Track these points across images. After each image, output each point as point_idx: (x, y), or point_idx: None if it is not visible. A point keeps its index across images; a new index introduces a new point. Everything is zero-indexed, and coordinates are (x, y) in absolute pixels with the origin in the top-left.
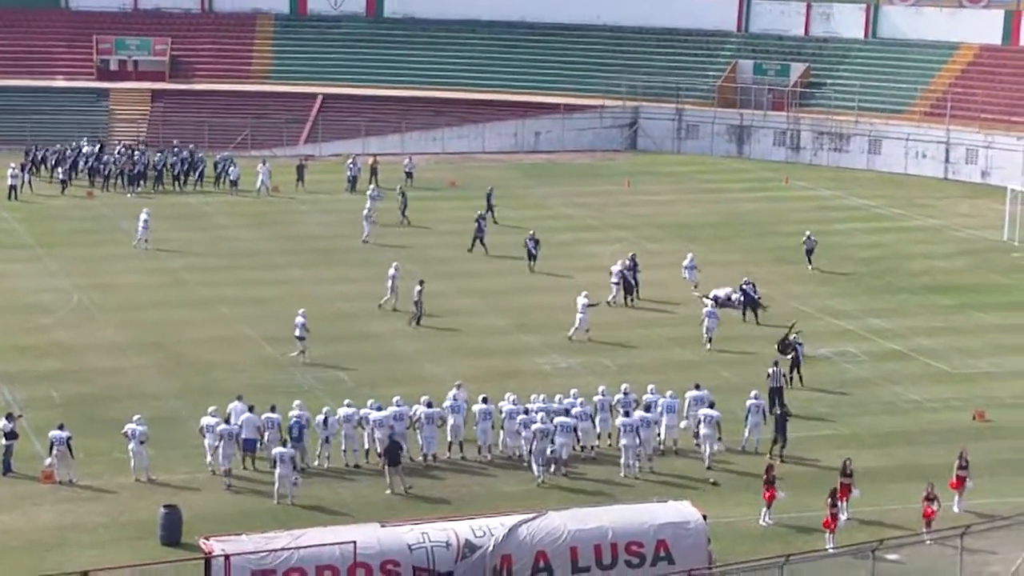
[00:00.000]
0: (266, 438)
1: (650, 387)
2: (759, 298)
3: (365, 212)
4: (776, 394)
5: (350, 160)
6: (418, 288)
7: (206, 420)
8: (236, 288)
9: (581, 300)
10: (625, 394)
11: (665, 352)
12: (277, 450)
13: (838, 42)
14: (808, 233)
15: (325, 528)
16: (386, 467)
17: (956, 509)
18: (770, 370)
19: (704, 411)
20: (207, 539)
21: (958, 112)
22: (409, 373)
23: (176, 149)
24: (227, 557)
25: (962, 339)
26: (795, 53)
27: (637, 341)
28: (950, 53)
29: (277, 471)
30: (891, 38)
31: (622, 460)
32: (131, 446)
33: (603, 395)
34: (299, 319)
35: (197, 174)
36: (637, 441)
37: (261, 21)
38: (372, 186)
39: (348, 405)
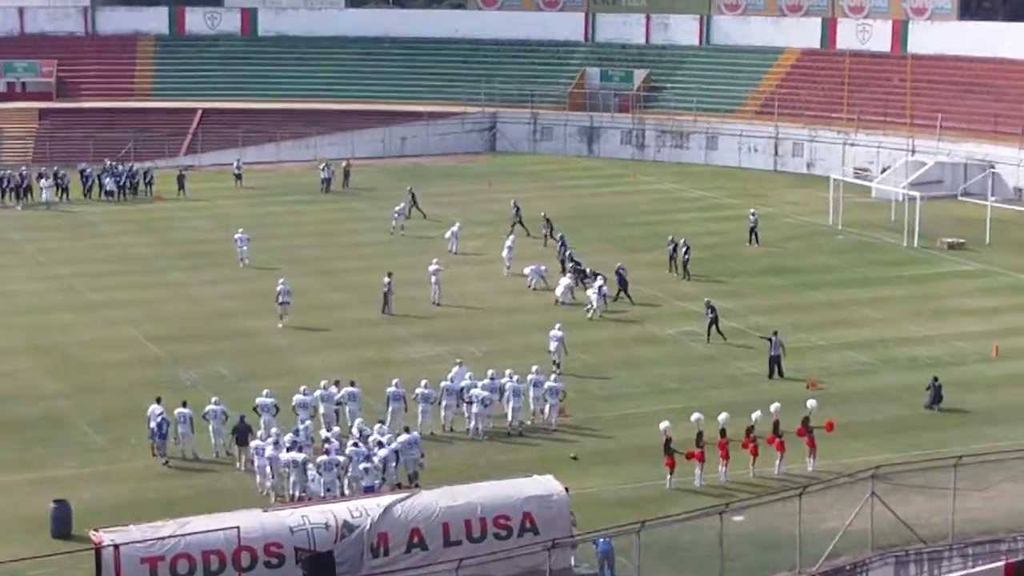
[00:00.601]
0: (179, 429)
1: (508, 372)
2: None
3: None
4: (775, 362)
5: (323, 164)
6: (387, 280)
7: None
8: (122, 292)
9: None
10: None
11: (524, 337)
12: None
13: (676, 49)
14: (752, 211)
15: (211, 515)
16: (236, 445)
17: (810, 468)
18: (771, 338)
19: (548, 384)
20: (96, 531)
21: (785, 110)
22: (286, 366)
23: (112, 165)
24: (116, 547)
25: (796, 315)
26: (638, 60)
27: (496, 328)
28: (775, 57)
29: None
30: (723, 44)
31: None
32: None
33: (537, 373)
34: (281, 286)
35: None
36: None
37: (142, 42)
38: (401, 205)
39: (216, 403)
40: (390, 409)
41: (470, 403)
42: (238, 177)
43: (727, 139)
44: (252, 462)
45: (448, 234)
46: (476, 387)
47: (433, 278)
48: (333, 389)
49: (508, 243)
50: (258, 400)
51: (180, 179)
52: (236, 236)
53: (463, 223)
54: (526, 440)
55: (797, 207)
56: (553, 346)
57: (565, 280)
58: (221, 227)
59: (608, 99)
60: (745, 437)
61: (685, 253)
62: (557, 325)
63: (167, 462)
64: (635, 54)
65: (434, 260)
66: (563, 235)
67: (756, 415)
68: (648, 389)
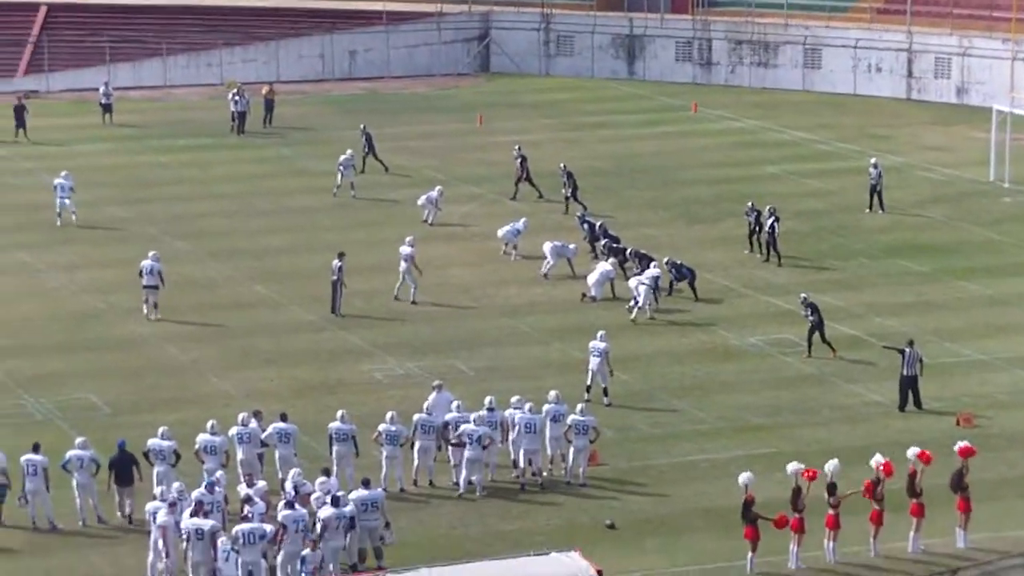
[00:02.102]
0: (26, 485)
1: (513, 400)
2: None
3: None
4: (910, 386)
5: (234, 91)
6: (336, 264)
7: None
8: None
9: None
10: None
11: (538, 348)
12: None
13: None
14: (874, 161)
15: None
16: (115, 485)
17: (911, 548)
18: (904, 349)
19: (573, 418)
20: None
21: (922, 8)
22: (187, 391)
23: None
24: None
25: (940, 317)
26: None
27: (495, 335)
28: None
29: None
30: None
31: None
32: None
33: (557, 401)
34: (148, 262)
35: None
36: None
37: None
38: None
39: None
40: (334, 453)
41: (459, 444)
42: (106, 109)
43: (835, 53)
44: (141, 521)
45: (423, 199)
46: (468, 421)
47: (403, 264)
48: (255, 425)
49: (434, 195)
50: (150, 443)
51: (18, 112)
52: (56, 182)
53: (444, 182)
54: (542, 499)
55: (942, 155)
56: (595, 363)
57: (603, 265)
58: (82, 184)
59: None
60: (865, 492)
61: (771, 225)
62: (599, 333)
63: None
64: None
65: (407, 239)
66: (586, 212)
67: (877, 459)
68: (720, 425)
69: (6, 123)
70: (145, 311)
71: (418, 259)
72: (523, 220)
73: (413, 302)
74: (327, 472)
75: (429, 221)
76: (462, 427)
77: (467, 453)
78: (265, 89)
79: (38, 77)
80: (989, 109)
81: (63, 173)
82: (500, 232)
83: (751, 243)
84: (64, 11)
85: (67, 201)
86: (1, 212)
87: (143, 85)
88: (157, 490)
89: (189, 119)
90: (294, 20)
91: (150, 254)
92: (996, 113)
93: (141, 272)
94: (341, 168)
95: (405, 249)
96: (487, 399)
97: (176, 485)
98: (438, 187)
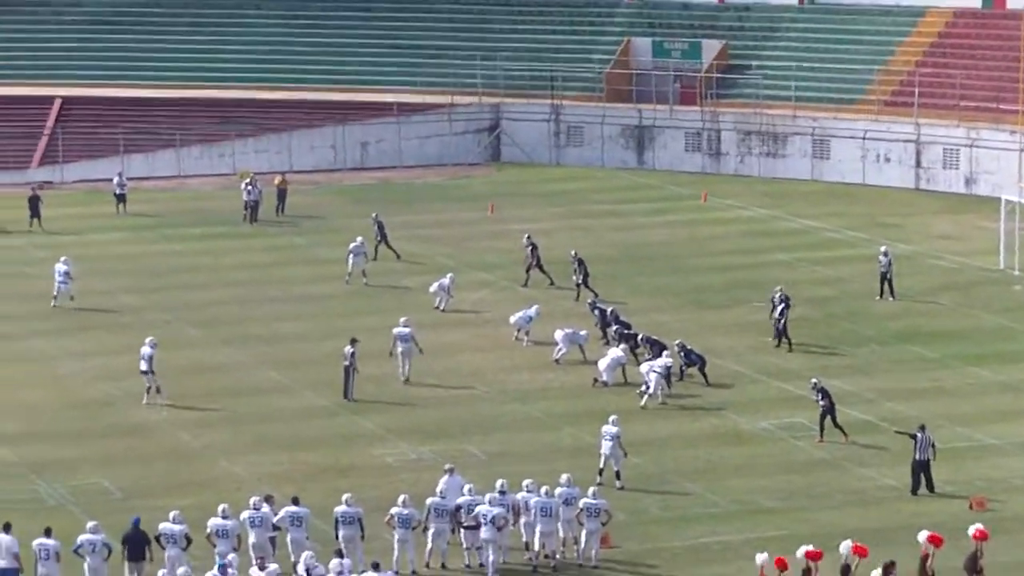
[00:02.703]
0: (39, 570)
1: (525, 483)
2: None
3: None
4: (922, 470)
5: (246, 181)
6: (348, 350)
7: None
8: None
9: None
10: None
11: (550, 433)
12: None
13: (765, 10)
14: (884, 249)
15: None
16: (127, 562)
17: None
18: (916, 434)
19: (585, 501)
20: None
21: (929, 100)
22: (198, 475)
23: None
24: None
25: (952, 403)
26: (708, 26)
27: (507, 419)
28: (915, 21)
29: None
30: (836, 2)
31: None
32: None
33: (568, 484)
34: (146, 348)
35: None
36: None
37: None
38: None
39: (94, 530)
40: (340, 536)
41: (473, 528)
42: (120, 199)
43: (844, 143)
44: None
45: (435, 286)
46: (483, 503)
47: (401, 346)
48: (267, 509)
49: (446, 282)
50: (161, 527)
51: (33, 203)
52: (56, 267)
53: (456, 269)
54: None
55: (951, 243)
56: (607, 447)
57: (614, 352)
58: (95, 273)
59: (665, 85)
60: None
61: (781, 311)
62: (611, 418)
63: None
64: (704, 17)
65: (402, 320)
66: (597, 298)
67: (923, 535)
68: (733, 509)
69: (21, 214)
70: (145, 399)
71: (429, 344)
72: (535, 307)
73: (406, 380)
74: (340, 554)
75: (441, 307)
76: (477, 508)
77: (483, 535)
78: (277, 179)
79: (52, 168)
80: (998, 199)
81: (63, 259)
82: (512, 319)
83: (776, 332)
84: (78, 103)
85: (64, 286)
86: (16, 301)
87: (157, 176)
88: (161, 572)
89: (202, 208)
90: (307, 112)
91: (147, 340)
92: (1004, 203)
93: (141, 361)
94: (352, 255)
95: (402, 330)
96: (499, 482)
97: (182, 570)
98: (449, 274)
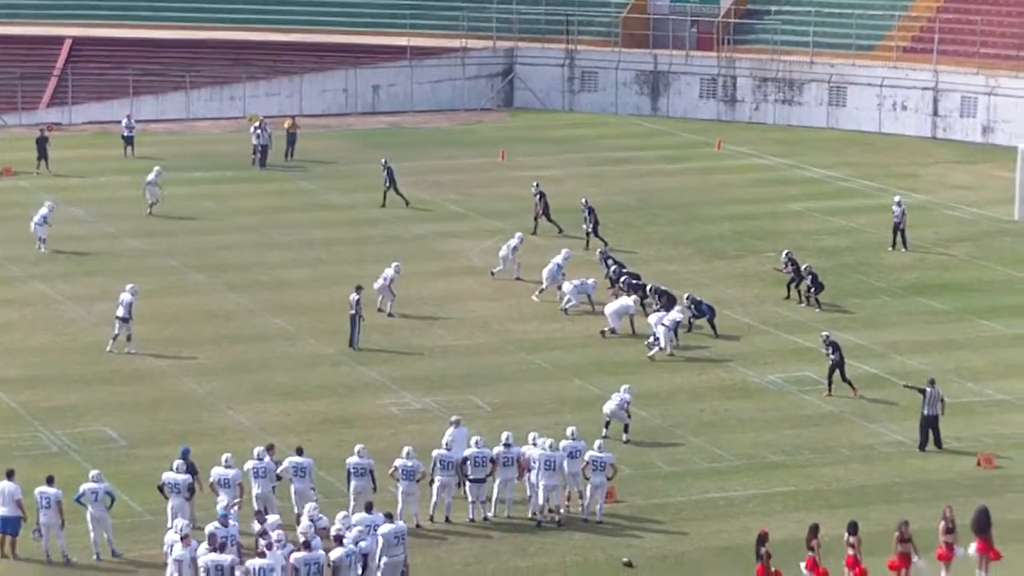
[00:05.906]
0: (40, 518)
1: (532, 435)
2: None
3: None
4: (930, 426)
5: (256, 125)
6: (354, 297)
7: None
8: None
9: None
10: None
11: (557, 384)
12: None
13: None
14: (898, 199)
15: None
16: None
17: None
18: (924, 389)
19: (591, 454)
20: None
21: (949, 47)
22: (201, 424)
23: None
24: None
25: (962, 356)
26: None
27: (514, 370)
28: None
29: None
30: None
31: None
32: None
33: (573, 438)
34: (125, 295)
35: None
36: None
37: None
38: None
39: (96, 479)
40: (351, 488)
41: (479, 480)
42: (128, 142)
43: (861, 91)
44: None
45: (504, 249)
46: (487, 456)
47: (380, 281)
48: (270, 459)
49: (514, 242)
50: (165, 476)
51: (40, 144)
52: (39, 215)
53: (465, 216)
54: (559, 536)
55: (966, 193)
56: (610, 408)
57: (623, 300)
58: (102, 217)
59: (681, 29)
60: (898, 540)
61: (810, 285)
62: (624, 387)
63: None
64: None
65: (393, 263)
66: (607, 248)
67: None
68: (739, 463)
69: (28, 155)
70: (110, 347)
71: (437, 293)
72: (564, 251)
73: (390, 314)
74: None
75: (516, 274)
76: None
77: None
78: (287, 123)
79: (61, 109)
80: (1014, 148)
81: (47, 202)
82: (544, 273)
83: (789, 290)
84: (89, 44)
85: (39, 227)
86: (20, 243)
87: (166, 118)
88: (170, 521)
89: (211, 152)
90: (318, 54)
91: (127, 287)
92: (1021, 152)
93: (118, 308)
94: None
95: (389, 270)
96: (504, 435)
97: (181, 523)
98: (518, 234)
